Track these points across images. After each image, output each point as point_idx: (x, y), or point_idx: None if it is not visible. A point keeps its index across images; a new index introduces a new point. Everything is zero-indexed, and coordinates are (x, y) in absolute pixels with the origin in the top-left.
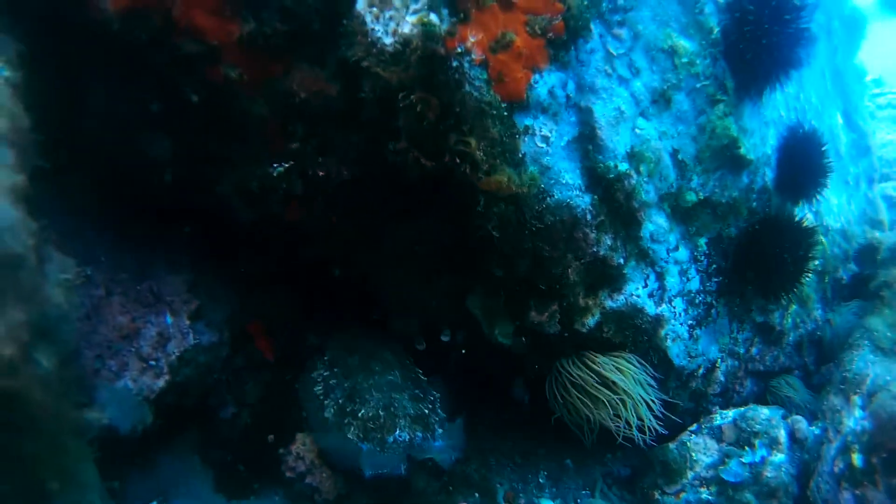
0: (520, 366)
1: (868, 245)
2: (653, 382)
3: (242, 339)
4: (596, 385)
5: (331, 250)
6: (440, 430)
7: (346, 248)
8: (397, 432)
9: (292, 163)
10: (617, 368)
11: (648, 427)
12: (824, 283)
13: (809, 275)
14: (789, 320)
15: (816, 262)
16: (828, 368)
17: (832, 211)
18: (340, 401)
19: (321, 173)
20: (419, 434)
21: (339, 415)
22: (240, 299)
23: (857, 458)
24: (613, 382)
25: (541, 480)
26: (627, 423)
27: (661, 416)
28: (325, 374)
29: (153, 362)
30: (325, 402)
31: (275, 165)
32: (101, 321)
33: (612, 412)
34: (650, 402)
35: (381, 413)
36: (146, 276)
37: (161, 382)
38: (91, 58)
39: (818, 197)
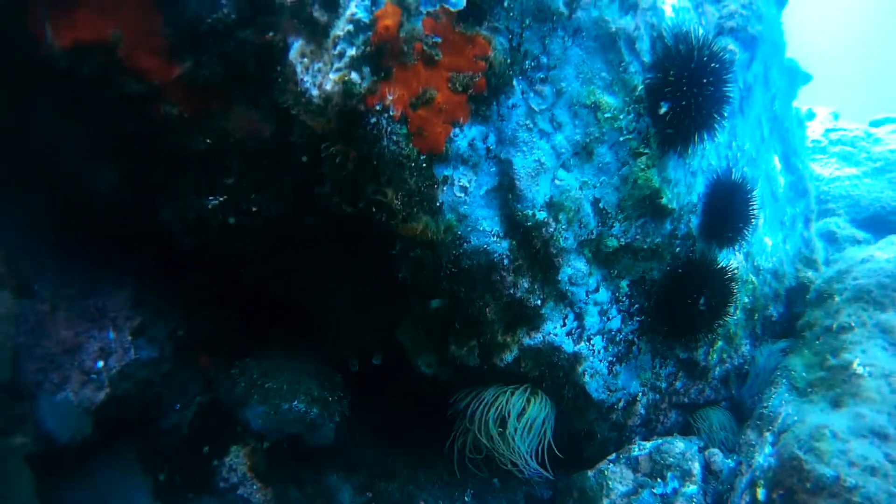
0: (445, 392)
1: (800, 284)
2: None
3: (184, 354)
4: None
5: (268, 277)
6: (338, 419)
7: (282, 276)
8: (294, 402)
9: (226, 197)
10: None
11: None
12: (753, 321)
13: (731, 316)
14: (714, 356)
15: (741, 301)
16: (752, 402)
17: (765, 251)
18: (254, 376)
19: (254, 209)
20: (315, 411)
21: (248, 387)
22: (184, 317)
23: (760, 494)
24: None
25: (467, 499)
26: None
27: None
28: (252, 365)
29: (94, 376)
30: (238, 380)
31: (210, 198)
32: (45, 335)
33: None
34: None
35: (285, 386)
36: (92, 292)
37: (101, 395)
38: (41, 90)
39: (742, 242)
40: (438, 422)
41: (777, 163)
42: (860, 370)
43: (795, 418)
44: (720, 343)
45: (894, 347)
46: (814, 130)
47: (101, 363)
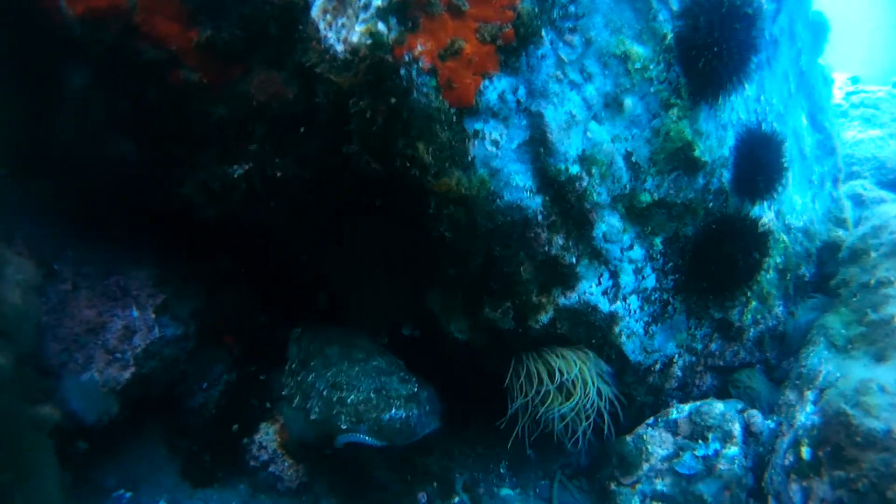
0: (480, 360)
1: (831, 243)
2: (606, 376)
3: (208, 332)
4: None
5: (294, 248)
6: (428, 408)
7: (308, 246)
8: (393, 411)
9: (251, 164)
10: (573, 361)
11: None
12: (786, 281)
13: (765, 273)
14: (749, 317)
15: (773, 261)
16: (789, 363)
17: (795, 210)
18: (325, 392)
19: (279, 174)
20: (415, 412)
21: (325, 407)
22: (206, 295)
23: (805, 452)
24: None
25: (502, 471)
26: (583, 416)
27: (617, 406)
28: (301, 371)
29: (119, 355)
30: (309, 402)
31: (234, 167)
32: (68, 315)
33: (566, 404)
34: (605, 394)
35: (373, 396)
36: (113, 271)
37: (127, 374)
38: (57, 63)
39: (775, 196)
40: (469, 393)
41: (804, 120)
42: None
43: (838, 375)
44: (754, 303)
45: None
46: (834, 96)
47: (125, 342)
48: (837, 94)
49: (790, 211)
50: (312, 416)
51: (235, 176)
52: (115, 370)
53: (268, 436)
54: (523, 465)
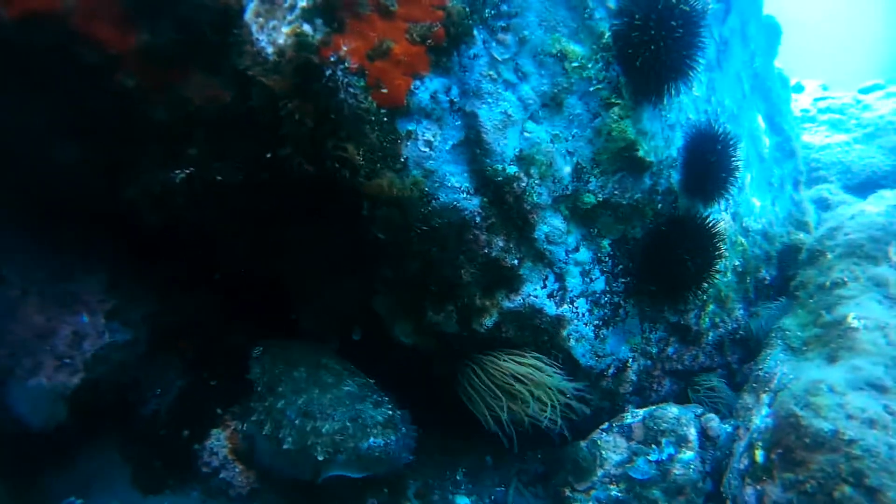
0: (429, 365)
1: (792, 246)
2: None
3: (161, 338)
4: (507, 381)
5: (241, 252)
6: (404, 431)
7: (255, 250)
8: (371, 440)
9: (192, 169)
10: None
11: (561, 419)
12: (746, 284)
13: (723, 276)
14: (706, 320)
15: (731, 263)
16: (748, 367)
17: (753, 212)
18: (297, 421)
19: (219, 178)
20: (392, 438)
21: (299, 437)
22: (158, 300)
23: (759, 455)
24: (523, 377)
25: (458, 477)
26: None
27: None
28: (268, 396)
29: (68, 360)
30: (282, 431)
31: (176, 171)
32: (16, 321)
33: (523, 407)
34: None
35: (349, 425)
36: (64, 277)
37: (76, 380)
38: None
39: (727, 197)
40: (424, 397)
41: (761, 122)
42: (855, 323)
43: (791, 377)
44: (712, 306)
45: (889, 300)
46: (802, 102)
47: (74, 348)
48: (805, 101)
49: (748, 213)
50: (286, 446)
51: (177, 181)
52: (64, 376)
53: (219, 441)
54: (480, 471)
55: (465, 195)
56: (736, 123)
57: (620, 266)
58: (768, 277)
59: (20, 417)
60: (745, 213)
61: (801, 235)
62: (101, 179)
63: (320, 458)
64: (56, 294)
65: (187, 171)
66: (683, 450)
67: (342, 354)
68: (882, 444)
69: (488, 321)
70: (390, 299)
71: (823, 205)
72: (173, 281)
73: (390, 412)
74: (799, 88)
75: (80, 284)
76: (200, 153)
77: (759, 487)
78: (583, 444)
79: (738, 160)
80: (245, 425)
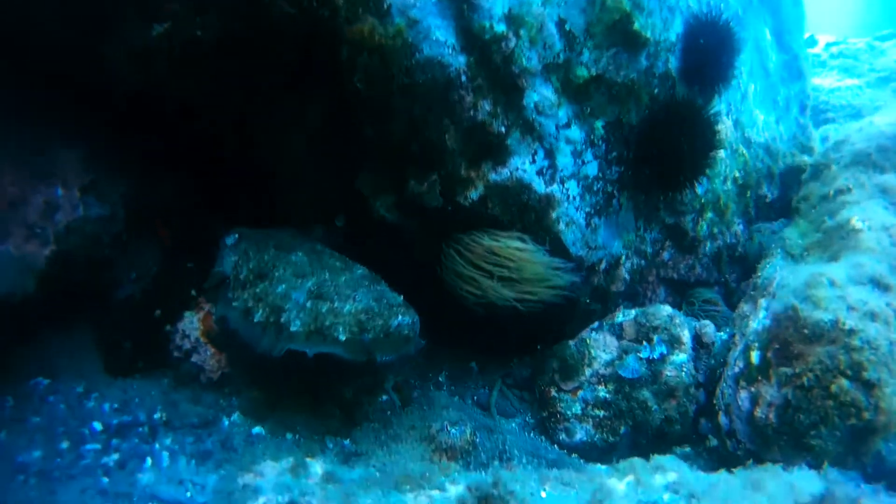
0: (411, 249)
1: (795, 167)
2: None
3: (139, 221)
4: (492, 260)
5: (220, 130)
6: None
7: (234, 127)
8: (400, 317)
9: (171, 23)
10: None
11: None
12: (746, 198)
13: (721, 183)
14: (703, 227)
15: (732, 173)
16: (747, 284)
17: (756, 125)
18: (308, 304)
19: (199, 33)
20: (416, 317)
21: (311, 319)
22: (138, 180)
23: (754, 356)
24: (509, 258)
25: (440, 379)
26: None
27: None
28: (258, 282)
29: (38, 230)
30: (283, 315)
31: (155, 25)
32: None
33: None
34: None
35: (374, 304)
36: (41, 150)
37: (46, 251)
38: None
39: (727, 87)
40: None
41: (768, 35)
42: (858, 225)
43: (790, 277)
44: (710, 213)
45: (895, 207)
46: (804, 17)
47: (46, 219)
48: (817, 50)
49: (751, 125)
50: (293, 329)
51: (155, 35)
52: (34, 246)
53: (192, 324)
54: (464, 375)
55: (450, 51)
56: (740, 26)
57: (615, 153)
58: (770, 195)
59: None
60: (747, 123)
61: (805, 158)
62: (82, 37)
63: (342, 339)
64: (32, 166)
65: (166, 25)
66: (676, 351)
67: (324, 244)
68: (883, 338)
69: (473, 194)
70: (372, 175)
71: (826, 141)
72: (153, 162)
73: (402, 298)
74: (813, 42)
75: (58, 157)
76: (181, 8)
77: (753, 389)
78: (570, 342)
79: (739, 49)
80: (226, 312)
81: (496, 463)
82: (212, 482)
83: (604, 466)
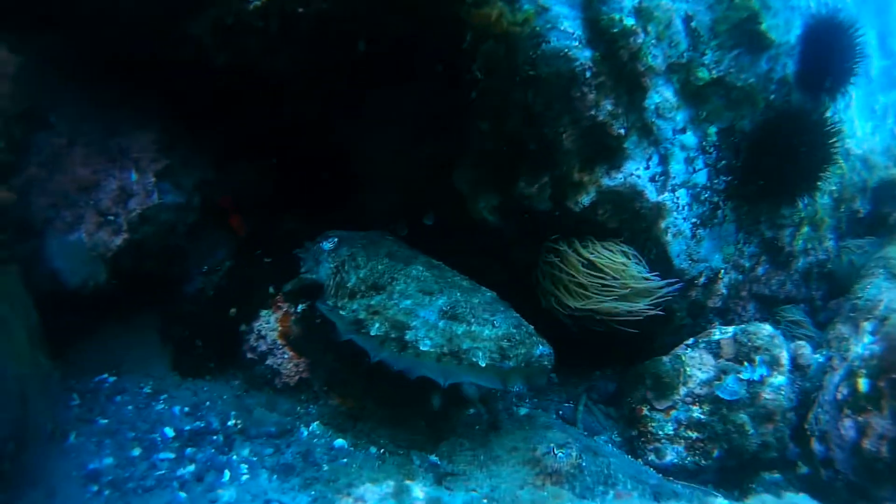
0: (508, 254)
1: (889, 181)
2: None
3: (213, 211)
4: (586, 271)
5: (309, 110)
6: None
7: (326, 111)
8: (541, 347)
9: None
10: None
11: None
12: (840, 213)
13: (820, 196)
14: (800, 242)
15: (828, 186)
16: (836, 303)
17: (855, 135)
18: (440, 324)
19: (300, 9)
20: (550, 348)
21: (445, 341)
22: (213, 168)
23: (862, 383)
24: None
25: (521, 391)
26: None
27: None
28: (375, 293)
29: (111, 217)
30: (408, 333)
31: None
32: (60, 170)
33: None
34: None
35: (514, 331)
36: (115, 131)
37: (118, 240)
38: None
39: (843, 94)
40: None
41: (873, 38)
42: None
43: None
44: (806, 228)
45: None
46: None
47: (119, 205)
48: None
49: (850, 134)
50: (423, 348)
51: (251, 8)
52: (107, 234)
53: (268, 324)
54: (545, 387)
55: (577, 43)
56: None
57: (724, 161)
58: (862, 210)
59: (56, 273)
60: (847, 132)
61: None
62: (164, 13)
63: (482, 364)
64: (105, 147)
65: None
66: (776, 373)
67: (410, 243)
68: None
69: (585, 199)
70: (478, 170)
71: None
72: (231, 150)
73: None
74: None
75: (132, 140)
76: None
77: (860, 419)
78: (665, 358)
79: (862, 56)
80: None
81: (600, 488)
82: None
83: (724, 500)
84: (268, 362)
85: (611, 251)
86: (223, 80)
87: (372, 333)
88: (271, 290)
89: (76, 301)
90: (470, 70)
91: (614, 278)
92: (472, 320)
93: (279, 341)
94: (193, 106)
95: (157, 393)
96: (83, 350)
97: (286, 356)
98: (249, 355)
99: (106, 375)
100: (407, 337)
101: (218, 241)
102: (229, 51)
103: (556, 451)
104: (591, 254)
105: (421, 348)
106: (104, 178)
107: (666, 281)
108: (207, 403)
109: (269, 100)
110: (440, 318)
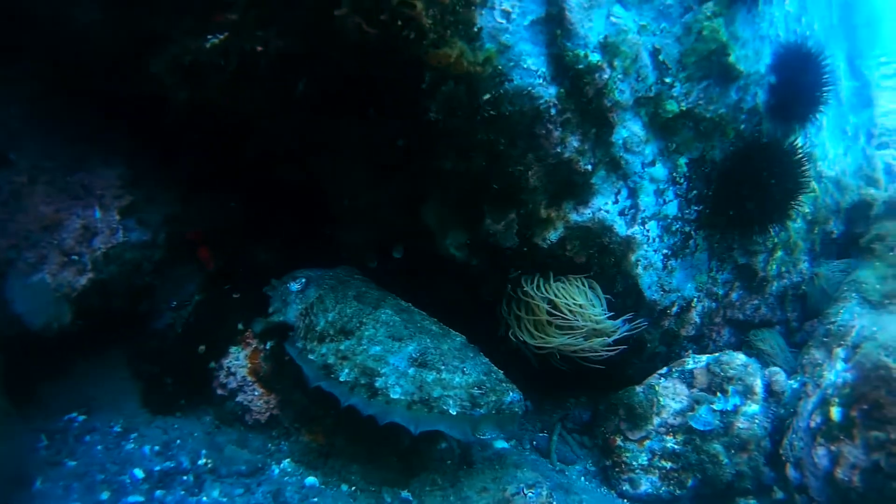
0: (475, 288)
1: (862, 202)
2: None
3: (180, 245)
4: (549, 310)
5: (274, 148)
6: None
7: (289, 145)
8: (511, 394)
9: (227, 34)
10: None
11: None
12: (813, 234)
13: (793, 221)
14: (773, 267)
15: (802, 209)
16: (811, 325)
17: (827, 157)
18: (410, 371)
19: (259, 48)
20: (520, 394)
21: (415, 389)
22: (180, 203)
23: (835, 412)
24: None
25: None
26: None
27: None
28: (343, 339)
29: (76, 257)
30: (378, 380)
31: (209, 37)
32: (21, 210)
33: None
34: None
35: (484, 378)
36: (78, 168)
37: (83, 280)
38: None
39: (811, 125)
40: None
41: (842, 61)
42: None
43: (874, 329)
44: (780, 252)
45: None
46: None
47: (83, 244)
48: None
49: (822, 157)
50: (393, 395)
51: (208, 47)
52: (71, 274)
53: (238, 360)
54: (516, 432)
55: (541, 81)
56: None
57: (695, 191)
58: (836, 231)
59: (20, 316)
60: (819, 155)
61: (872, 191)
62: (125, 51)
63: (453, 413)
64: (68, 185)
65: (221, 36)
66: (749, 402)
67: (377, 273)
68: None
69: (553, 235)
70: (441, 207)
71: (887, 170)
72: (198, 183)
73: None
74: None
75: (96, 177)
76: (241, 18)
77: (833, 448)
78: (638, 388)
79: (831, 83)
80: (302, 364)
81: None
82: None
83: None
84: (238, 399)
85: (578, 287)
86: (187, 114)
87: (341, 379)
88: (240, 326)
89: (42, 342)
90: (429, 111)
91: (575, 318)
92: (443, 367)
93: (249, 378)
94: (159, 140)
95: (128, 431)
96: (52, 389)
97: (256, 393)
98: (220, 392)
99: (75, 414)
100: (377, 384)
101: (186, 276)
102: (189, 88)
103: (525, 492)
104: (553, 294)
105: (391, 396)
106: (67, 216)
107: (622, 318)
108: (178, 442)
109: (235, 133)
110: (410, 366)
